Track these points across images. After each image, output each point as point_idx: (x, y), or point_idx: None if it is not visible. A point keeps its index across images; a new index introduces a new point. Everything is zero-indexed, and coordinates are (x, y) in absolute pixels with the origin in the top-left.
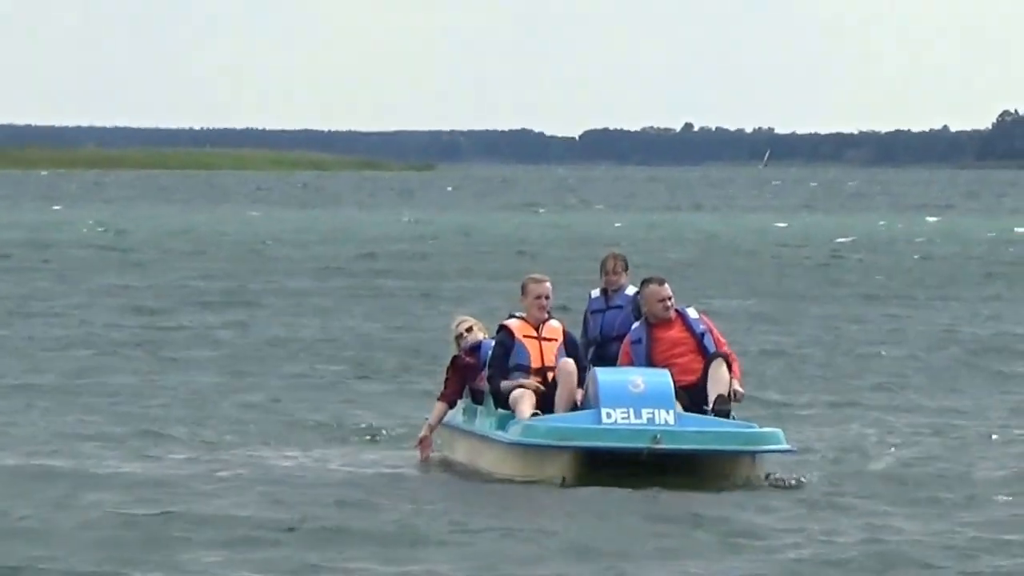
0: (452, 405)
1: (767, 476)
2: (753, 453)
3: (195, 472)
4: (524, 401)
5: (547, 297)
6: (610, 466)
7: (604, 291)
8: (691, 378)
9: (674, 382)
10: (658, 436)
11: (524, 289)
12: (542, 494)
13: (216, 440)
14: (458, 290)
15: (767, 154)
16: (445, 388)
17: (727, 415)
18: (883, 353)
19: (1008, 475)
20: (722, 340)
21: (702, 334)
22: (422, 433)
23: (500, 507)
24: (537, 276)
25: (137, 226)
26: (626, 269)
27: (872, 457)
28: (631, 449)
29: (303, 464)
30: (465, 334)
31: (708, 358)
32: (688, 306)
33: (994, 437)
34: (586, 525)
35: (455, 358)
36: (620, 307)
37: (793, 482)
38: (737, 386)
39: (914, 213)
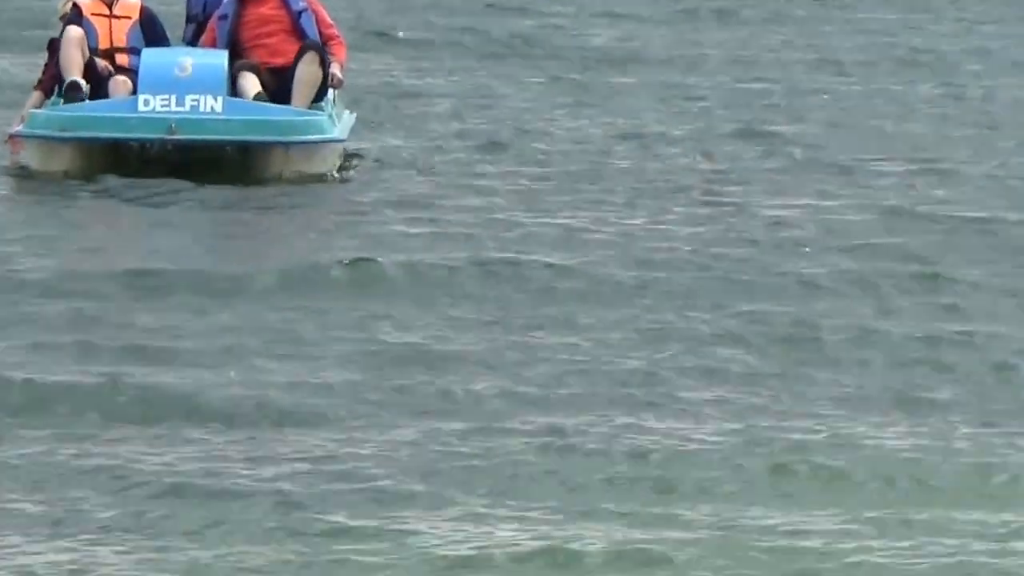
0: (49, 94)
1: (339, 169)
2: (287, 144)
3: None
4: (68, 84)
5: None
6: (144, 158)
7: None
8: (279, 60)
9: (261, 64)
10: (173, 126)
11: None
12: None
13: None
14: None
15: None
16: (43, 75)
17: None
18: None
19: None
20: (328, 21)
21: (299, 13)
22: (13, 128)
23: None
24: None
25: None
26: None
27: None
28: (141, 140)
29: None
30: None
31: (301, 48)
32: None
33: None
34: None
35: (52, 40)
36: None
37: (342, 177)
38: (337, 71)
39: None
